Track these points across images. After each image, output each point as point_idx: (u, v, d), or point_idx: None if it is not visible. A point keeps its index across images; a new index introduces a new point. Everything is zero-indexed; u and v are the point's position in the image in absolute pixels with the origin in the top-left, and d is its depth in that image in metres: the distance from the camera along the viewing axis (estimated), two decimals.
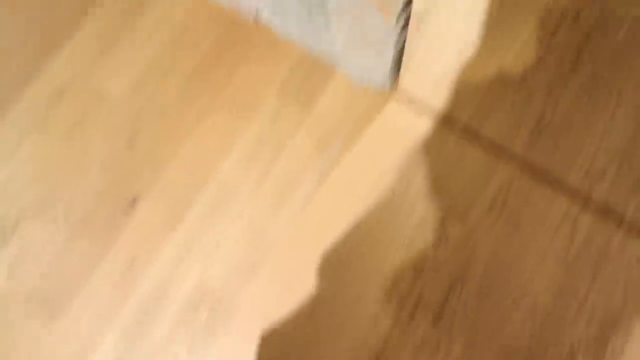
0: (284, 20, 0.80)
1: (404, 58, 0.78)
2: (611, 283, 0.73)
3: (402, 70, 0.80)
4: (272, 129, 0.81)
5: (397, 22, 0.66)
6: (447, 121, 0.82)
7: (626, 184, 0.78)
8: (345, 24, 0.71)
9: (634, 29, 0.86)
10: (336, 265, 0.74)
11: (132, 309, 0.73)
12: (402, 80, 0.82)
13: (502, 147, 0.80)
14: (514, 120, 0.81)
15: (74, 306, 0.73)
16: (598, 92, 0.83)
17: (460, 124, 0.82)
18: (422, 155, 0.79)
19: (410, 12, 0.66)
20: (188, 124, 0.81)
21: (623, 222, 0.75)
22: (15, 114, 0.83)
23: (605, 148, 0.80)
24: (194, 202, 0.77)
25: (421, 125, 0.81)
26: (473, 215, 0.77)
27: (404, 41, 0.72)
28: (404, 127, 0.81)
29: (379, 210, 0.77)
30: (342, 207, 0.77)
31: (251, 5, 0.82)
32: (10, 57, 0.86)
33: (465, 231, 0.76)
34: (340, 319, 0.72)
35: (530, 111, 0.83)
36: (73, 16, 0.88)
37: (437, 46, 0.84)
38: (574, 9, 0.86)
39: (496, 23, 0.85)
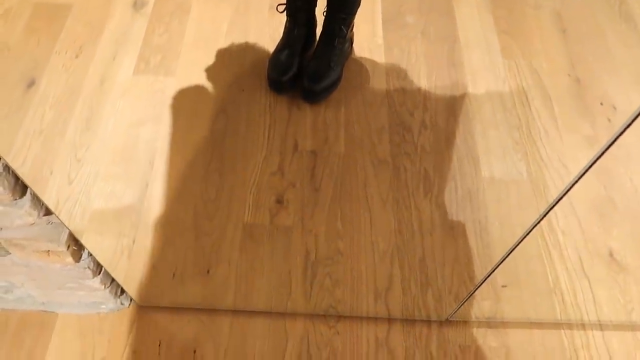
0: None
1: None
2: None
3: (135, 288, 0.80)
4: None
5: (79, 263, 0.65)
6: (212, 312, 0.80)
7: (415, 285, 0.79)
8: (33, 280, 0.69)
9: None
10: None
11: None
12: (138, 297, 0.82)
13: (282, 312, 0.80)
14: (280, 278, 0.80)
15: None
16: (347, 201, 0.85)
17: (228, 309, 0.81)
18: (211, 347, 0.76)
19: (84, 249, 0.66)
20: None
21: (430, 321, 0.79)
22: None
23: (379, 259, 0.80)
24: None
25: (186, 325, 0.78)
26: None
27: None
28: (168, 333, 0.79)
29: None
30: None
31: None
32: None
33: None
34: None
35: (294, 255, 0.82)
36: None
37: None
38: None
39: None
